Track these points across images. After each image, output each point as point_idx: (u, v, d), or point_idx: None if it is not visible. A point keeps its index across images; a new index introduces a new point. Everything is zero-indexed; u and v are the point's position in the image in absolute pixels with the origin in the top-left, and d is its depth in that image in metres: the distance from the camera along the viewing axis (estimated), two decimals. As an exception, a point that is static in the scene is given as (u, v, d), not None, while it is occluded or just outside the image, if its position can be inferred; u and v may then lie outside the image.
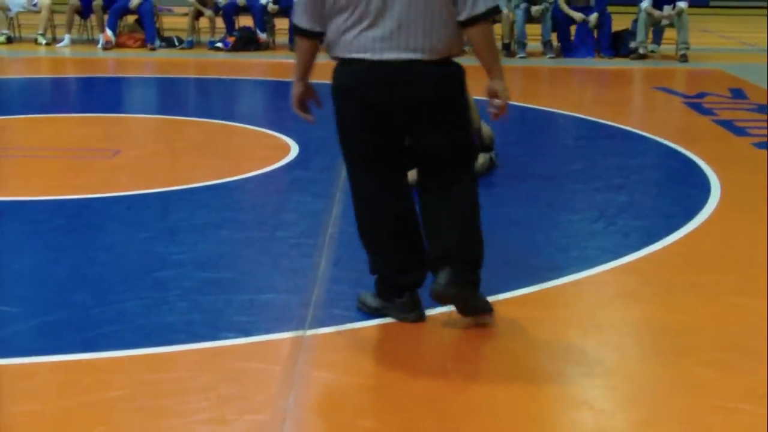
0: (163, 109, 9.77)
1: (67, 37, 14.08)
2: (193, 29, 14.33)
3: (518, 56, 13.34)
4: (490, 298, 4.05)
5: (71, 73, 12.49)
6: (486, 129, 6.67)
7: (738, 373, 3.59)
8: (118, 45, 13.95)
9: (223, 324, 3.95)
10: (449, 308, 4.02)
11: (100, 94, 10.57)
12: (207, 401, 3.28)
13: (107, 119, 8.77)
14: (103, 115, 8.96)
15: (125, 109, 9.97)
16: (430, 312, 4.07)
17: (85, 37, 14.73)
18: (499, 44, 13.78)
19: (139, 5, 13.85)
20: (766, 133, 8.07)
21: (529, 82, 12.04)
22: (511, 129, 8.39)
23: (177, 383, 3.44)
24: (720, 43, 15.91)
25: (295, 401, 3.30)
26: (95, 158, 6.97)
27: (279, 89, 10.98)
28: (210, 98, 10.94)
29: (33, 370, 3.56)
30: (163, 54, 13.65)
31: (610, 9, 13.77)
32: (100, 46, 13.85)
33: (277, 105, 10.31)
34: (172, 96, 10.81)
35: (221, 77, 11.66)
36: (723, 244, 5.17)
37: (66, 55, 13.62)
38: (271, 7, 13.88)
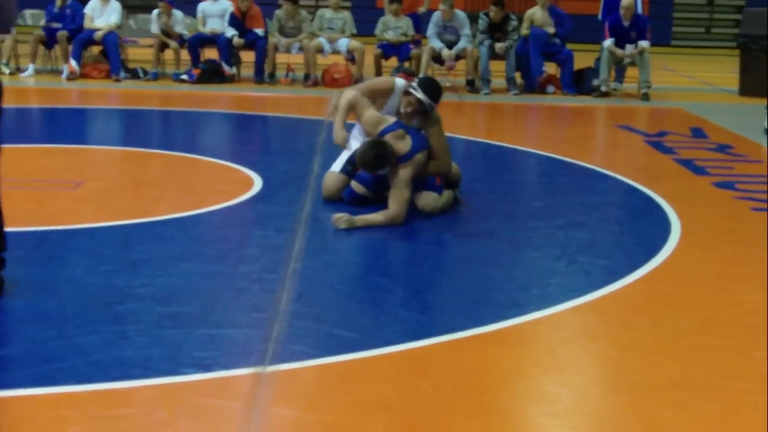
0: (126, 141, 9.73)
1: (31, 67, 14.03)
2: (158, 61, 14.32)
3: (482, 93, 13.43)
4: (450, 336, 4.05)
5: (35, 103, 12.41)
6: (454, 167, 6.71)
7: (696, 414, 3.61)
8: (83, 75, 13.92)
9: (182, 359, 3.92)
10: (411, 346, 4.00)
11: (63, 125, 10.51)
12: (165, 438, 3.25)
13: (70, 150, 8.72)
14: (66, 146, 8.90)
15: (88, 140, 9.92)
16: (389, 350, 4.07)
17: (49, 67, 14.67)
18: (463, 81, 13.89)
19: (104, 36, 13.82)
20: (725, 173, 8.16)
21: (493, 119, 12.12)
22: (474, 165, 8.45)
23: (134, 419, 3.40)
24: (681, 82, 16.10)
25: (254, 439, 3.28)
26: (57, 189, 6.93)
27: (243, 122, 10.99)
28: (174, 130, 10.91)
29: (-12, 405, 3.51)
30: (128, 85, 13.63)
31: (572, 47, 13.92)
32: (64, 76, 13.81)
33: (241, 138, 10.32)
34: (135, 128, 10.77)
35: (186, 109, 11.65)
36: (683, 283, 5.21)
37: (30, 85, 13.54)
38: (237, 40, 13.90)
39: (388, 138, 6.27)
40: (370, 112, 6.59)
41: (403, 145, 6.25)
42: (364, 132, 6.67)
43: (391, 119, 6.51)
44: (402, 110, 6.61)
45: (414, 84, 6.64)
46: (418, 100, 6.53)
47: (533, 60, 13.54)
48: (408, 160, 6.21)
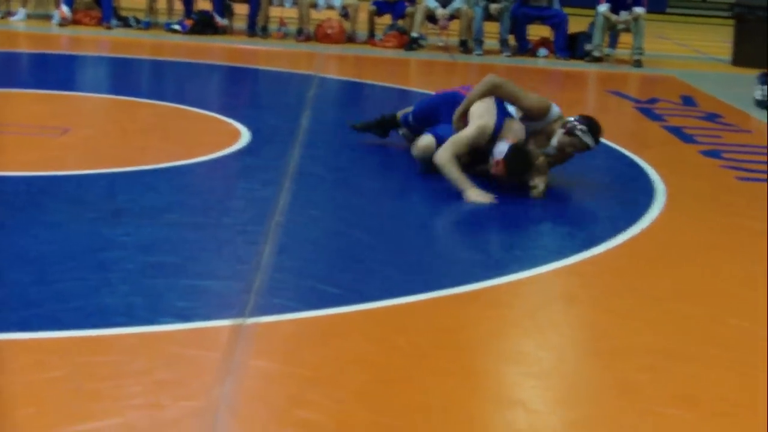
0: (115, 90, 9.69)
1: (21, 11, 13.92)
2: (151, 10, 14.22)
3: (475, 53, 13.39)
4: (430, 294, 4.08)
5: (24, 48, 12.34)
6: None
7: (670, 378, 3.64)
8: (74, 22, 13.80)
9: (163, 308, 3.93)
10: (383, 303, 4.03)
11: (52, 71, 10.46)
12: (142, 386, 3.27)
13: (58, 97, 8.68)
14: (54, 92, 8.86)
15: (77, 87, 9.88)
16: (369, 306, 4.09)
17: (40, 12, 14.55)
18: (456, 41, 13.85)
19: (97, -17, 13.71)
20: (713, 141, 8.18)
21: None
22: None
23: (113, 366, 3.42)
24: (674, 50, 16.08)
25: (231, 389, 3.30)
26: (43, 136, 6.90)
27: (234, 75, 10.95)
28: (164, 80, 10.87)
29: (-32, 348, 3.53)
30: (119, 33, 13.54)
31: (567, 10, 13.87)
32: (55, 22, 13.70)
33: (231, 91, 10.29)
34: (125, 76, 10.72)
35: (176, 60, 11.59)
36: (664, 250, 5.24)
37: (20, 30, 13.45)
38: (231, -9, 13.81)
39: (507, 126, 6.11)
40: (530, 99, 6.26)
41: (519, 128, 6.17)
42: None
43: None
44: (556, 148, 6.17)
45: (579, 125, 6.12)
46: (585, 145, 6.14)
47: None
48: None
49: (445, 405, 3.32)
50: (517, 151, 5.89)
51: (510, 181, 5.98)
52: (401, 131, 7.05)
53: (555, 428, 3.26)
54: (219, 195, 5.82)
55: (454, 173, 5.89)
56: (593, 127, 6.14)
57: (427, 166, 6.23)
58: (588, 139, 6.10)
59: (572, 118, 6.18)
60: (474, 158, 6.22)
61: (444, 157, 5.95)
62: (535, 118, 6.23)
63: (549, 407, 3.42)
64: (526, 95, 6.24)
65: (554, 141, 6.16)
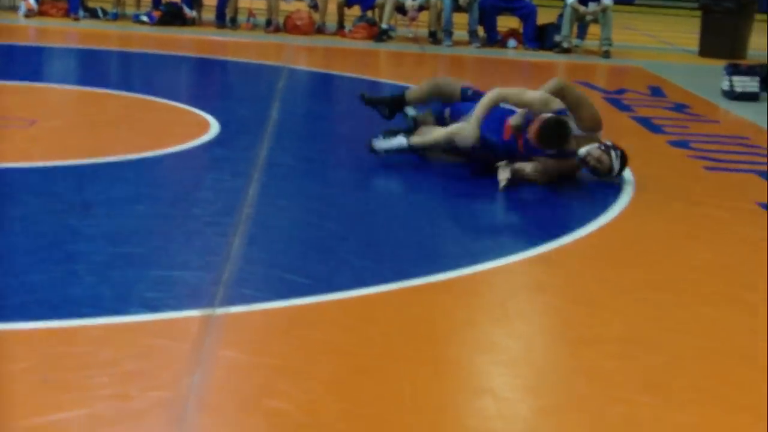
0: (83, 81, 9.62)
1: (-13, 3, 13.81)
2: (118, 1, 14.12)
3: (444, 44, 13.39)
4: (400, 284, 4.08)
5: (-10, 40, 12.23)
6: None
7: (638, 366, 3.67)
8: (41, 13, 13.68)
9: (132, 299, 3.91)
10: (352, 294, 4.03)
11: (19, 63, 10.37)
12: (111, 377, 3.25)
13: (25, 88, 8.60)
14: (21, 83, 8.78)
15: (44, 78, 9.79)
16: (339, 296, 4.09)
17: (6, 3, 14.42)
18: (425, 32, 13.84)
19: (64, -26, 13.60)
20: (681, 132, 8.23)
21: (453, 72, 12.07)
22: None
23: (81, 357, 3.40)
24: (642, 41, 16.13)
25: (201, 380, 3.29)
26: (10, 127, 6.84)
27: (203, 66, 10.90)
28: (132, 72, 10.81)
29: (-66, 340, 3.50)
30: (86, 25, 13.43)
31: (536, 2, 13.90)
32: (21, 13, 13.58)
33: (200, 82, 10.24)
34: (93, 68, 10.65)
35: (145, 51, 11.52)
36: (633, 239, 5.27)
37: (-14, 21, 13.32)
38: (199, -18, 13.74)
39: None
40: (532, 93, 6.23)
41: None
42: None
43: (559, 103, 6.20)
44: (584, 160, 6.13)
45: (617, 149, 6.18)
46: (610, 168, 6.14)
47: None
48: None
49: (415, 394, 3.32)
50: (555, 122, 5.93)
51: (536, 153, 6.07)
52: (411, 113, 6.78)
53: (524, 416, 3.28)
54: (188, 186, 5.80)
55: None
56: (624, 158, 6.21)
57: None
58: (616, 165, 6.15)
59: (609, 143, 6.22)
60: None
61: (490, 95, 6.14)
62: (594, 129, 6.29)
63: (518, 395, 3.43)
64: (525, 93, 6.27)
65: (583, 150, 6.12)
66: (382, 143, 6.37)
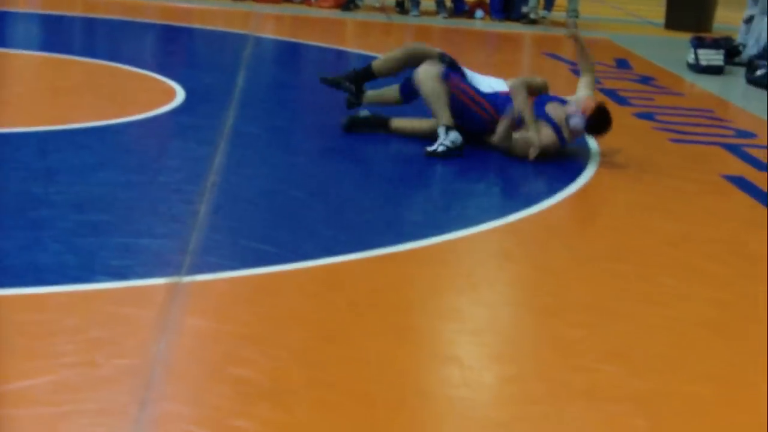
0: (45, 47, 9.49)
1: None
2: (83, -34, 13.96)
3: (411, 14, 13.35)
4: (367, 253, 4.08)
5: (-49, 4, 12.05)
6: None
7: (602, 335, 3.70)
8: (3, -22, 13.51)
9: (97, 267, 3.89)
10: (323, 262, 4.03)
11: (-20, 28, 10.24)
12: (76, 344, 3.24)
13: (-13, 54, 8.50)
14: (-17, 49, 8.68)
15: (5, 44, 9.65)
16: (305, 265, 4.09)
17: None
18: (392, 1, 13.79)
19: (27, -62, 13.41)
20: (646, 104, 8.27)
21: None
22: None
23: (46, 325, 3.39)
24: (609, 13, 16.16)
25: (167, 347, 3.29)
26: (-28, 93, 6.77)
27: (169, 33, 10.80)
28: (96, 38, 10.69)
29: None
30: (50, -10, 13.26)
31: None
32: (-17, -23, 13.40)
33: (165, 49, 10.15)
34: (56, 33, 10.52)
35: (109, 17, 11.39)
36: (599, 210, 5.31)
37: (-53, -15, 13.12)
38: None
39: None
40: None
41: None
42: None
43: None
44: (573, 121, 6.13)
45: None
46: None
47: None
48: None
49: (381, 362, 3.33)
50: (605, 110, 6.14)
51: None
52: (364, 113, 6.47)
53: (489, 384, 3.30)
54: (153, 154, 5.76)
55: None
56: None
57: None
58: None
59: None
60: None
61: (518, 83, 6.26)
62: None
63: (483, 363, 3.45)
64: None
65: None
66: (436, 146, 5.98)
